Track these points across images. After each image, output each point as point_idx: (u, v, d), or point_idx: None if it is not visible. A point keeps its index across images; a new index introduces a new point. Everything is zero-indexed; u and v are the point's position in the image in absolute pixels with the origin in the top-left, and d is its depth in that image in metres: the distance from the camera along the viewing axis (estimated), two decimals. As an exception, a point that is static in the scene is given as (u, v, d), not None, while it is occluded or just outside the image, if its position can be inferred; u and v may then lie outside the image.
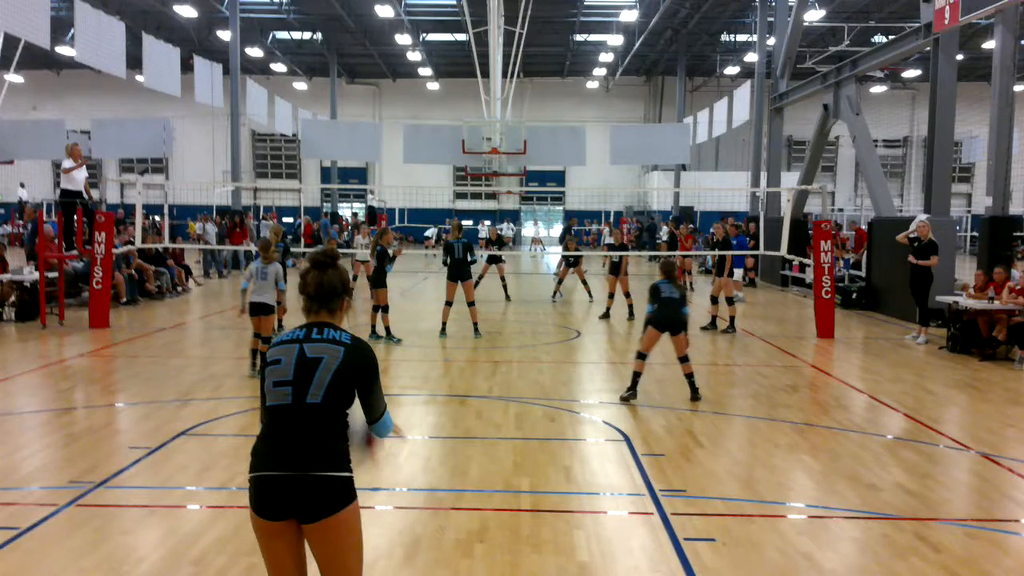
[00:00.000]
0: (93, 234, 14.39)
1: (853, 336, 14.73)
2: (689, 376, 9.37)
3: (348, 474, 3.33)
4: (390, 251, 13.04)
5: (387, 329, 13.11)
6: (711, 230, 17.40)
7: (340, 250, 19.46)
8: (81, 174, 15.16)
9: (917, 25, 16.64)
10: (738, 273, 20.48)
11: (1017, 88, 16.91)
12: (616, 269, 16.44)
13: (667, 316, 9.18)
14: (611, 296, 16.38)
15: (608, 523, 5.73)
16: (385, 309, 13.13)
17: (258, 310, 10.11)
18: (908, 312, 15.35)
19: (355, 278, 18.34)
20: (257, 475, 3.25)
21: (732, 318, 14.84)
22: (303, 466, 3.19)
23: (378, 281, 12.97)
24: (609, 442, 7.69)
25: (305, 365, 3.27)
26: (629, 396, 9.23)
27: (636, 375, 9.30)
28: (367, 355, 3.36)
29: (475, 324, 13.84)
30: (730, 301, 15.11)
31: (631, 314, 16.04)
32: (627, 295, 16.36)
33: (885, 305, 17.19)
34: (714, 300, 15.26)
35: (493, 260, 19.36)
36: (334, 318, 3.46)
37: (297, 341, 3.33)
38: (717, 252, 15.74)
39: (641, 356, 9.30)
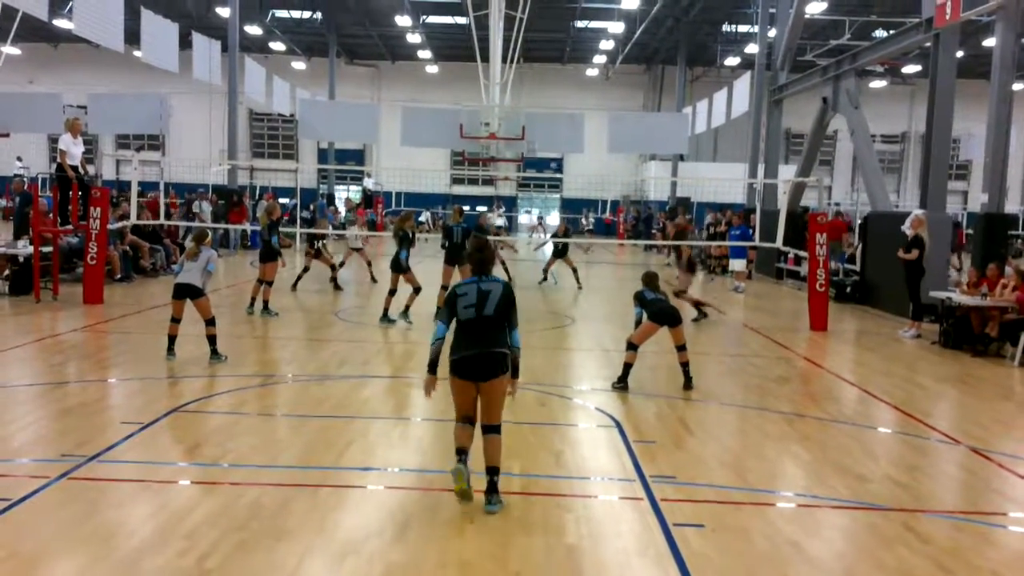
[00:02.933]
0: (88, 209, 14.35)
1: (846, 329, 14.78)
2: (684, 365, 9.39)
3: (507, 351, 5.65)
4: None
5: (407, 308, 13.16)
6: (664, 224, 17.64)
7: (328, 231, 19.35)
8: (78, 149, 15.07)
9: (918, 20, 16.62)
10: (741, 264, 20.49)
11: (1016, 87, 16.93)
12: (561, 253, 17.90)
13: (663, 309, 9.30)
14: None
15: (598, 507, 5.76)
16: (416, 291, 13.15)
17: (183, 292, 9.67)
18: (902, 307, 15.39)
19: (342, 264, 18.15)
20: (457, 356, 5.57)
21: (698, 305, 14.87)
22: (485, 347, 5.57)
23: (397, 266, 13.01)
24: (600, 428, 7.72)
25: (483, 293, 5.67)
26: (621, 387, 9.24)
27: (627, 366, 9.32)
28: (511, 291, 5.80)
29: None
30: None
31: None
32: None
33: (879, 299, 17.23)
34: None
35: None
36: (489, 271, 5.86)
37: (476, 282, 5.75)
38: (715, 244, 15.73)
39: (633, 347, 9.33)
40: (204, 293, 9.76)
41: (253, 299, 13.78)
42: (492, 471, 5.62)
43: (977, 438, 7.81)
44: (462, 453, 5.62)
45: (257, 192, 39.73)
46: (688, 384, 9.32)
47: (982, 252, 15.00)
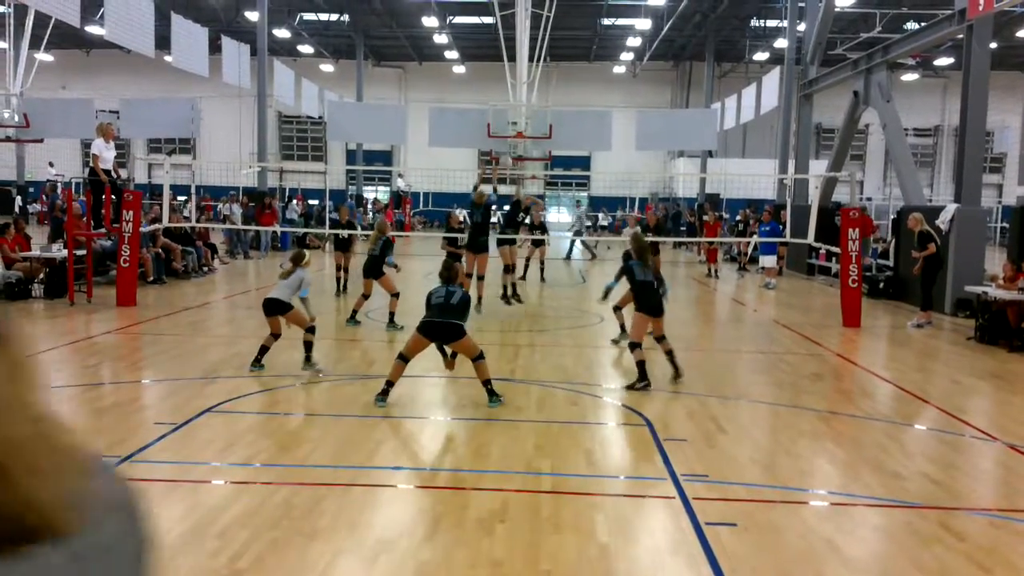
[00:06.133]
0: (121, 213, 14.50)
1: (880, 325, 14.61)
2: (669, 354, 9.26)
3: (463, 323, 8.09)
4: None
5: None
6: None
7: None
8: (110, 153, 15.22)
9: (951, 12, 16.39)
10: (772, 260, 20.34)
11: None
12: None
13: (651, 303, 9.14)
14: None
15: (629, 506, 5.73)
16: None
17: (272, 308, 9.36)
18: (936, 302, 15.19)
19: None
20: (425, 320, 8.09)
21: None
22: (445, 318, 8.00)
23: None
24: (631, 426, 7.68)
25: (449, 293, 8.08)
26: (644, 386, 8.88)
27: (640, 364, 8.98)
28: (468, 297, 8.33)
29: (479, 298, 13.65)
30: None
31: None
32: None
33: (912, 295, 16.98)
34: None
35: (536, 243, 19.67)
36: (455, 283, 8.23)
37: (445, 287, 8.15)
38: (743, 240, 15.60)
39: (637, 346, 9.04)
40: (292, 307, 9.39)
41: (355, 311, 13.07)
42: (486, 383, 8.14)
43: (1014, 434, 7.68)
44: (389, 386, 8.12)
45: (287, 194, 39.99)
46: (677, 373, 9.23)
47: (1018, 246, 14.78)
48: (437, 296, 8.09)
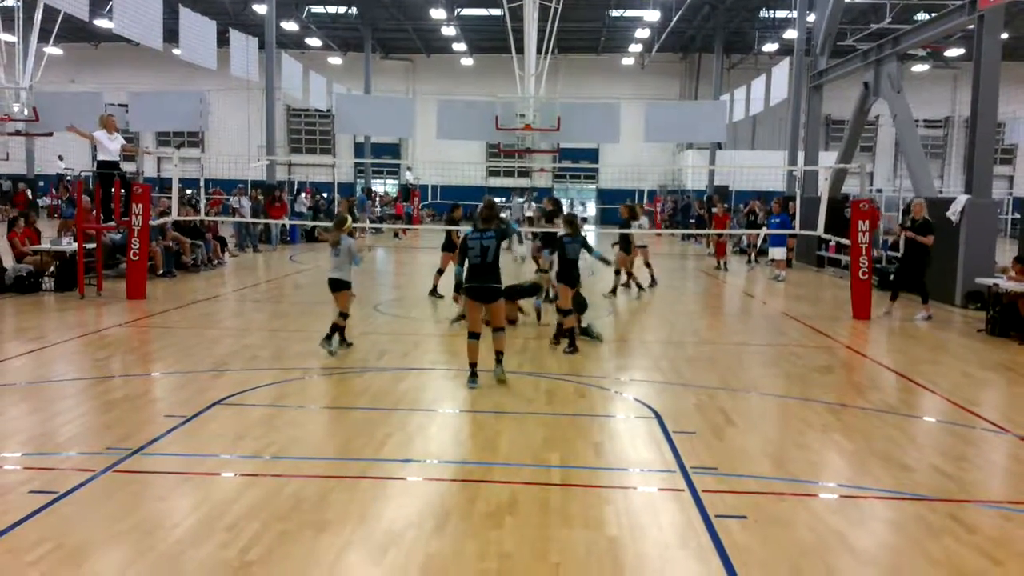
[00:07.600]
0: (130, 206, 14.52)
1: (889, 317, 14.53)
2: (570, 330, 10.49)
3: (501, 286, 8.55)
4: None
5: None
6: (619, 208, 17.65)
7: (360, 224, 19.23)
8: (114, 144, 15.12)
9: (961, 2, 16.28)
10: (782, 252, 20.27)
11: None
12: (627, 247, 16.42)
13: (571, 276, 10.55)
14: (617, 272, 16.22)
15: (638, 499, 5.72)
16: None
17: (334, 286, 9.97)
18: (946, 294, 15.15)
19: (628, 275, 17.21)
20: (469, 286, 8.57)
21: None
22: (486, 282, 8.48)
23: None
24: (639, 419, 7.67)
25: (484, 248, 8.44)
26: (572, 352, 10.29)
27: (571, 330, 10.52)
28: (501, 233, 8.64)
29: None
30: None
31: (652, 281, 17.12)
32: (647, 264, 17.27)
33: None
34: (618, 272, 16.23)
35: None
36: (491, 225, 8.59)
37: (479, 238, 8.49)
38: (753, 232, 15.57)
39: (569, 312, 10.52)
40: (350, 286, 10.02)
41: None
42: (499, 354, 8.73)
43: (1026, 427, 7.65)
44: (473, 367, 8.61)
45: (295, 187, 40.05)
46: (573, 349, 10.38)
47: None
48: (474, 256, 8.54)
